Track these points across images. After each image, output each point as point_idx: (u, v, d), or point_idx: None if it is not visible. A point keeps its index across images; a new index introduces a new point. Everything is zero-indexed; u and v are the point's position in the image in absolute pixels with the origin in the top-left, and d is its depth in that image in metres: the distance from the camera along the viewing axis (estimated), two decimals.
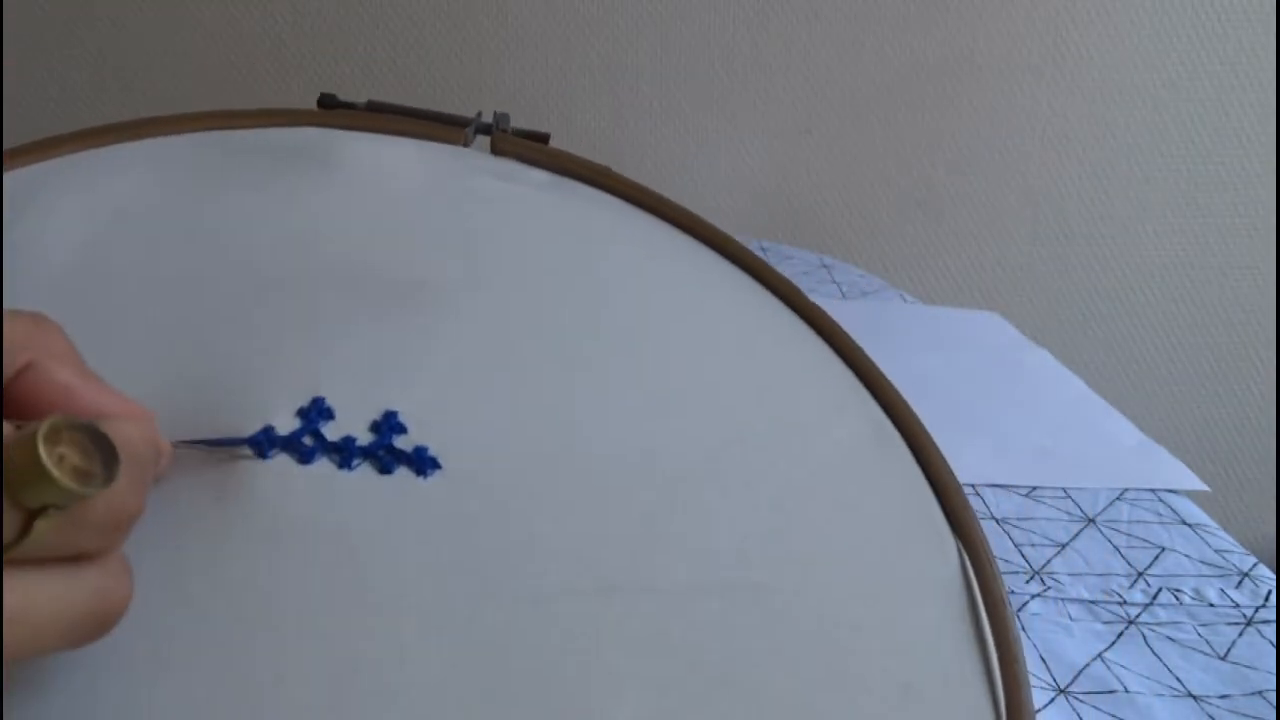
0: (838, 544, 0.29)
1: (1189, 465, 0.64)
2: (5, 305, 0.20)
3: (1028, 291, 1.24)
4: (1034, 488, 0.60)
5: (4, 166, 0.34)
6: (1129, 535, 0.56)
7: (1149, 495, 0.60)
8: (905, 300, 0.95)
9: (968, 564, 0.30)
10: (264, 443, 0.25)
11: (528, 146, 0.42)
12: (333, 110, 0.42)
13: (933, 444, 0.33)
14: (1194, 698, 0.44)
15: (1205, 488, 0.62)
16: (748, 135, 1.18)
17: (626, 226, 0.39)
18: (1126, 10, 1.15)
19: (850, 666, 0.26)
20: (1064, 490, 0.60)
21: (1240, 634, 0.48)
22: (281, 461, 0.25)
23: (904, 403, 0.34)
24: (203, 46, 1.11)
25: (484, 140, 0.43)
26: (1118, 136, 1.19)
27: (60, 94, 1.11)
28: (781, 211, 1.21)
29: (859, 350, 0.36)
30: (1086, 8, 1.15)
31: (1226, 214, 1.22)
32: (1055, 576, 0.52)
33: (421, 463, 0.26)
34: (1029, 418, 0.69)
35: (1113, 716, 0.42)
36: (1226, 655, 0.47)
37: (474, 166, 0.39)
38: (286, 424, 0.25)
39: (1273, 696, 0.44)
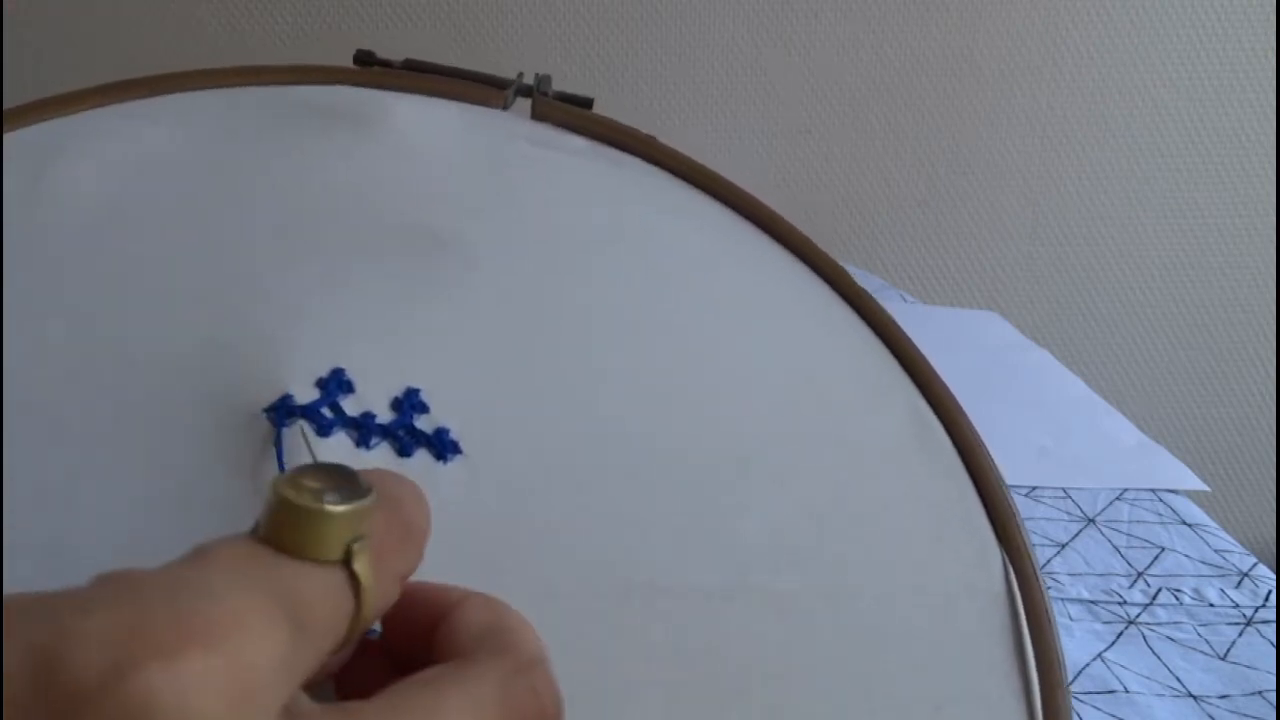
0: (870, 549, 0.27)
1: (1189, 465, 0.64)
2: (43, 257, 0.19)
3: (1028, 291, 1.24)
4: (1034, 488, 0.60)
5: (31, 120, 0.33)
6: (1129, 535, 0.56)
7: (1149, 495, 0.60)
8: (905, 300, 0.95)
9: (1011, 576, 0.28)
10: (280, 410, 0.24)
11: (570, 112, 0.39)
12: (369, 68, 0.41)
13: (979, 440, 0.31)
14: (1194, 698, 0.44)
15: (1205, 488, 0.62)
16: (748, 135, 1.18)
17: (667, 198, 0.37)
18: (1126, 10, 1.15)
19: (876, 683, 0.24)
20: (1064, 490, 0.60)
21: (1240, 634, 0.48)
22: (300, 430, 0.24)
23: (950, 396, 0.32)
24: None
25: (524, 104, 0.41)
26: (1118, 136, 1.19)
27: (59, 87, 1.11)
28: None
29: (905, 337, 0.34)
30: (1086, 8, 1.15)
31: (1226, 214, 1.22)
32: (1055, 576, 0.52)
33: (442, 446, 0.24)
34: (1029, 418, 0.69)
35: (1113, 716, 0.42)
36: (1226, 655, 0.47)
37: (514, 131, 0.38)
38: (305, 394, 0.24)
39: (1273, 696, 0.44)
